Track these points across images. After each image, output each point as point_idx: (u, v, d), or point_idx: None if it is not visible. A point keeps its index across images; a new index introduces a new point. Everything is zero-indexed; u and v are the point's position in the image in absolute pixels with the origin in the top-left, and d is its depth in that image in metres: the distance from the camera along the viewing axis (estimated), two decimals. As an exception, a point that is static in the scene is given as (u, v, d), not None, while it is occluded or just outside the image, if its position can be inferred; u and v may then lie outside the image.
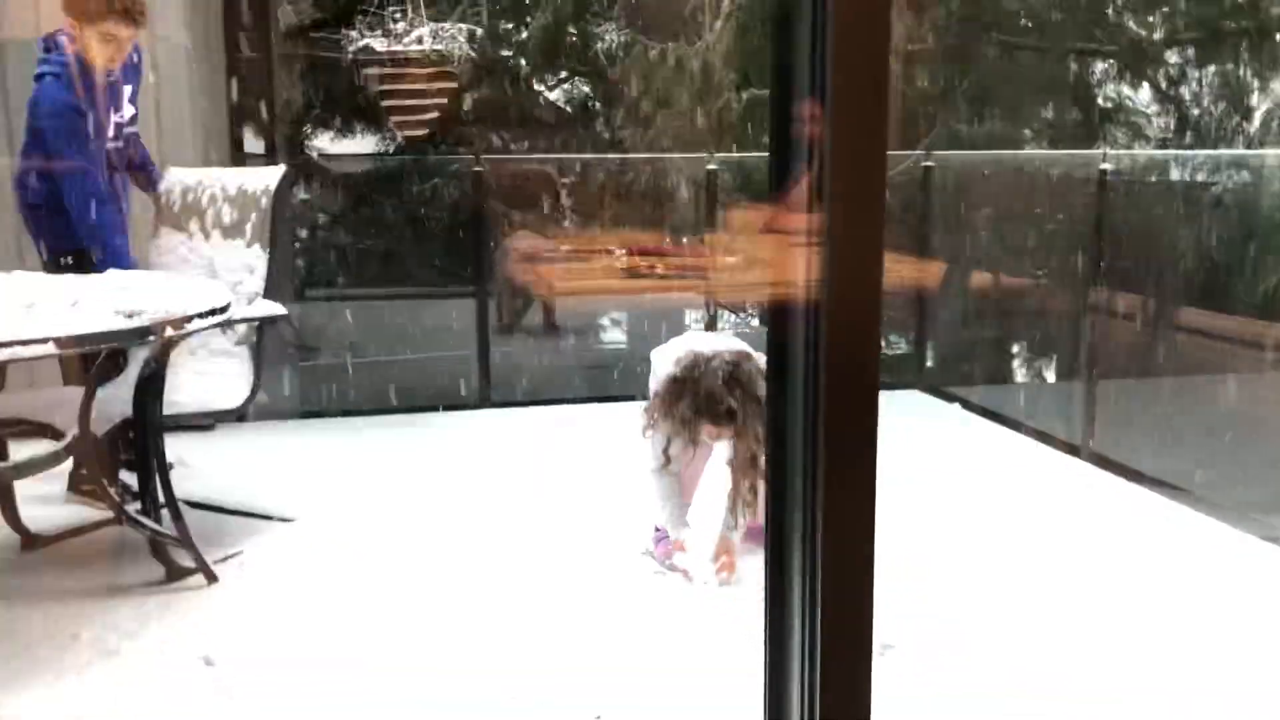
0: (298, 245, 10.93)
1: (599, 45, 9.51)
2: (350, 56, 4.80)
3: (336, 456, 4.36)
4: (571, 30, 11.22)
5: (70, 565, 3.20)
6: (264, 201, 3.36)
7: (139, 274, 3.20)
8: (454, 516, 3.63)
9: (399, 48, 4.62)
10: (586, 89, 12.18)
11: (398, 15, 4.76)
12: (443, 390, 5.34)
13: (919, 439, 4.59)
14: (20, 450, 3.05)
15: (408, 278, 10.13)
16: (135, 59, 3.67)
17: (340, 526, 3.52)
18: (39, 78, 3.44)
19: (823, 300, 1.15)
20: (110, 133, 3.54)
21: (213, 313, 2.70)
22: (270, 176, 3.39)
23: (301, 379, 5.23)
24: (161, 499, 2.98)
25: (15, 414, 2.98)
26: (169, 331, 2.52)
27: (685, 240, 6.30)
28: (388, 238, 10.78)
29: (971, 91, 6.40)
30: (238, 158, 6.00)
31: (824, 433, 1.16)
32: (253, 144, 7.87)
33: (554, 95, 12.78)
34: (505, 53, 12.00)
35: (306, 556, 3.26)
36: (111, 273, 3.23)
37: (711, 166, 5.28)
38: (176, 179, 3.63)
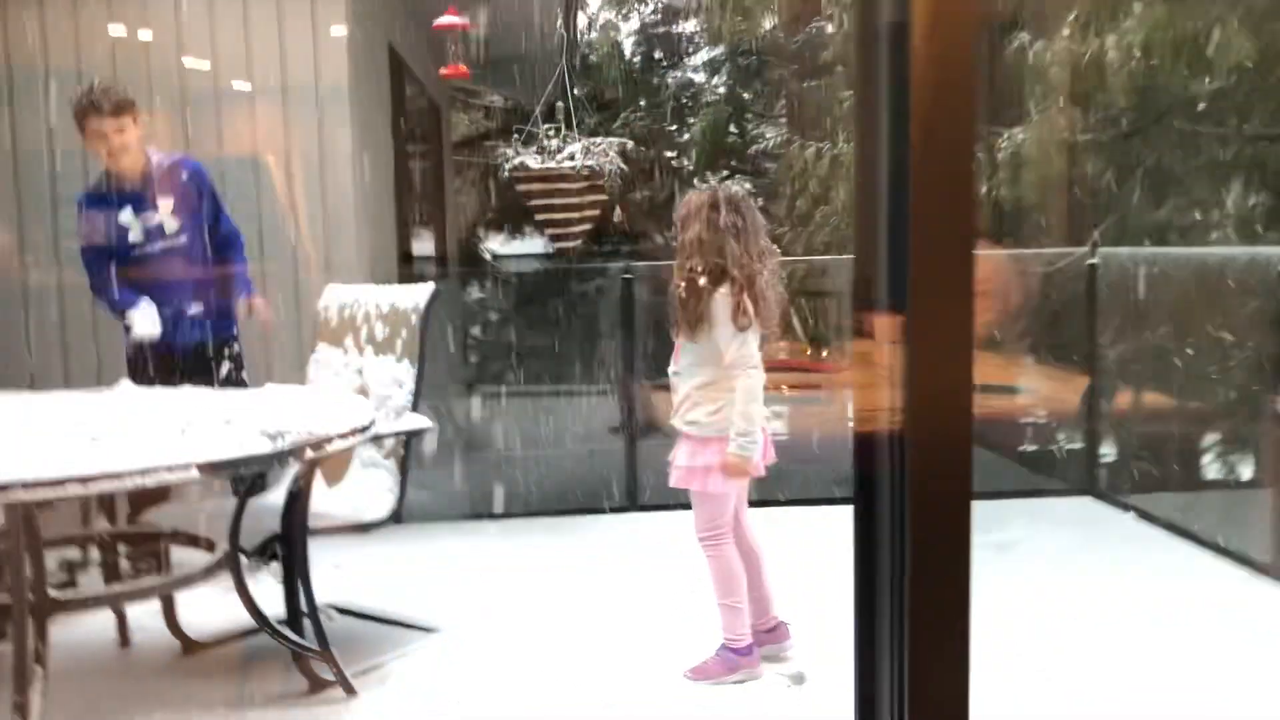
0: (470, 342, 11.35)
1: (759, 145, 9.65)
2: (506, 174, 4.98)
3: (486, 560, 4.41)
4: (732, 130, 11.40)
5: (224, 671, 3.31)
6: (414, 319, 3.46)
7: (291, 389, 3.33)
8: (602, 627, 3.59)
9: (552, 164, 4.77)
10: (747, 185, 12.32)
11: (551, 132, 4.93)
12: (592, 490, 5.34)
13: (1085, 556, 4.32)
14: (179, 556, 3.20)
15: (566, 374, 10.33)
16: (184, 175, 3.99)
17: (485, 638, 3.52)
18: None
19: (906, 413, 1.06)
20: (137, 236, 3.89)
21: (355, 433, 2.76)
22: (420, 294, 3.49)
23: (459, 479, 5.35)
24: (305, 610, 3.05)
25: (174, 526, 3.12)
26: (309, 454, 2.60)
27: (825, 353, 6.09)
28: (551, 334, 11.07)
29: (1148, 181, 6.08)
30: (405, 263, 6.25)
31: (911, 587, 1.06)
32: (423, 247, 8.22)
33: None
34: (669, 153, 12.29)
35: (448, 670, 3.27)
36: (268, 387, 3.39)
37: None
38: (334, 296, 3.79)
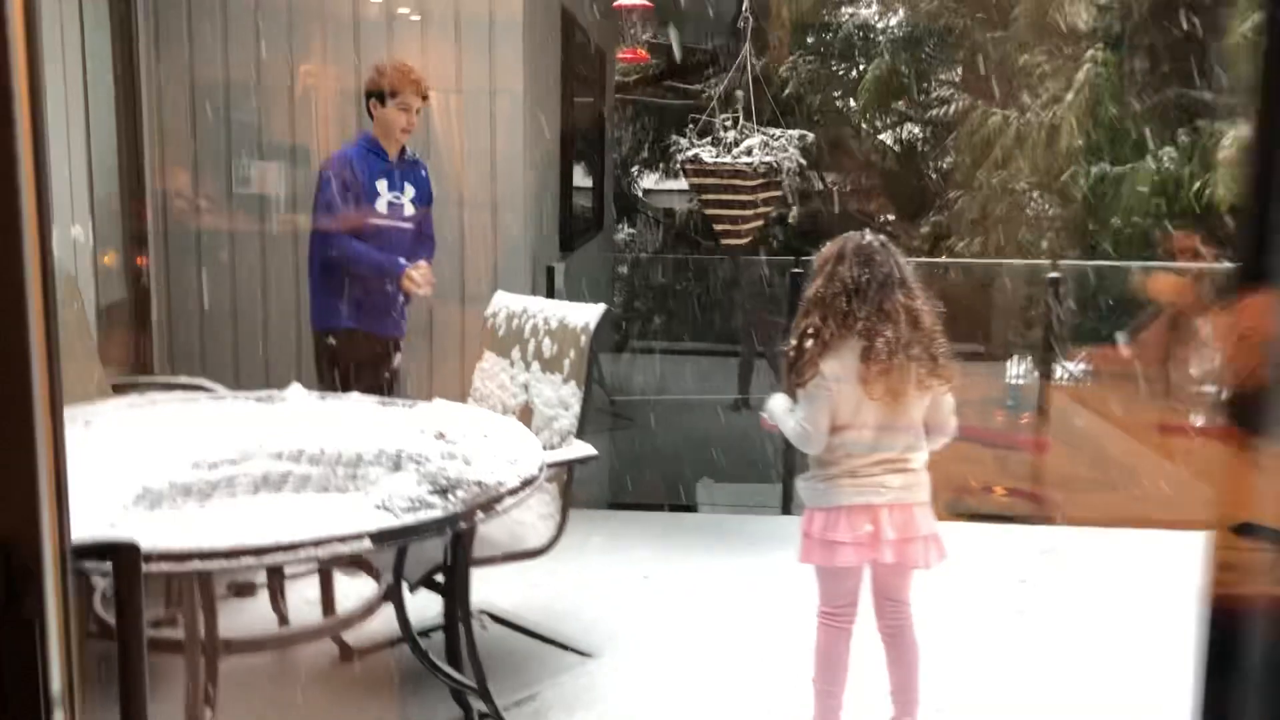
0: (617, 278, 11.28)
1: (938, 111, 9.11)
2: (678, 165, 4.74)
3: (643, 568, 4.33)
4: (904, 76, 10.83)
5: (378, 686, 3.31)
6: (583, 340, 3.33)
7: (460, 412, 3.24)
8: (764, 644, 3.47)
9: (727, 159, 4.49)
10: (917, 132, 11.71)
11: (728, 123, 4.64)
12: (743, 481, 5.21)
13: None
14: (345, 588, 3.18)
15: (715, 330, 10.16)
16: (423, 172, 4.28)
17: (642, 663, 3.45)
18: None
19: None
20: (382, 207, 4.08)
21: (526, 485, 2.66)
22: (590, 314, 3.35)
23: (609, 468, 5.28)
24: (464, 646, 3.00)
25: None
26: (479, 516, 2.50)
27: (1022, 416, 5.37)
28: (701, 279, 10.88)
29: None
30: (566, 200, 6.21)
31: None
32: (581, 179, 8.15)
33: (887, 139, 12.44)
34: (835, 94, 11.79)
35: (604, 700, 3.20)
36: (437, 404, 3.30)
37: (1054, 275, 4.81)
38: (502, 303, 3.68)
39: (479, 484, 2.59)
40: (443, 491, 2.52)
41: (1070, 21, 8.29)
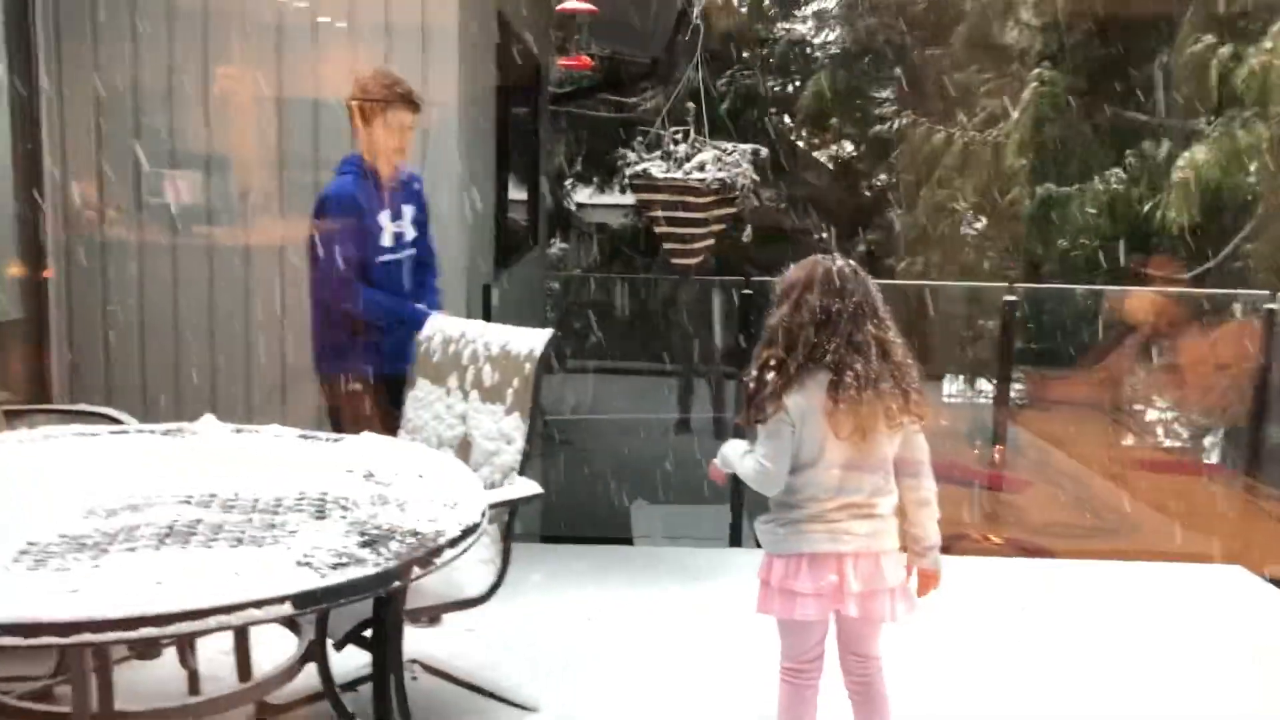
0: (549, 295, 11.02)
1: (881, 128, 9.01)
2: (625, 180, 4.49)
3: (585, 608, 4.07)
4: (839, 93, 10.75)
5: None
6: (528, 368, 3.07)
7: (389, 446, 2.96)
8: (719, 692, 3.24)
9: (679, 175, 4.27)
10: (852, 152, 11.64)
11: (679, 137, 4.41)
12: (687, 519, 4.99)
13: None
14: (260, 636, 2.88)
15: (653, 349, 9.93)
16: (416, 186, 3.93)
17: (588, 716, 3.19)
18: (329, 183, 3.80)
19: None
20: (388, 241, 3.76)
21: (467, 534, 2.39)
22: (536, 340, 3.09)
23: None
24: (395, 704, 2.71)
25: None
26: (415, 572, 2.22)
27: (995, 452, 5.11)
28: (639, 297, 10.67)
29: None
30: (501, 212, 5.95)
31: None
32: (515, 193, 7.88)
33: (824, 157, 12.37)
34: (772, 110, 11.68)
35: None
36: (365, 438, 3.01)
37: (1010, 298, 4.66)
38: (436, 328, 3.40)
39: (415, 534, 2.31)
40: (373, 543, 2.24)
41: (1008, 40, 8.26)
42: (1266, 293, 4.63)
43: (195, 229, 4.66)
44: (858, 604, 2.62)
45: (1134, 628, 4.07)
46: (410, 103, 3.72)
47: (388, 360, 3.75)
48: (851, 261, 2.74)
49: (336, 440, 3.03)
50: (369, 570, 2.13)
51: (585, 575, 4.38)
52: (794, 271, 2.72)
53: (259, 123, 4.60)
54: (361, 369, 3.76)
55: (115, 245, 4.62)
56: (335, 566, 2.12)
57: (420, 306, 3.77)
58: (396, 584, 2.23)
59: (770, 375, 2.61)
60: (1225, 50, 5.46)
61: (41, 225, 4.43)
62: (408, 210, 3.86)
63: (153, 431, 3.09)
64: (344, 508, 2.45)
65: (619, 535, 5.40)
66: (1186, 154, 5.41)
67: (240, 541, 2.23)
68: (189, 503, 2.44)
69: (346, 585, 2.09)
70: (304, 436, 3.08)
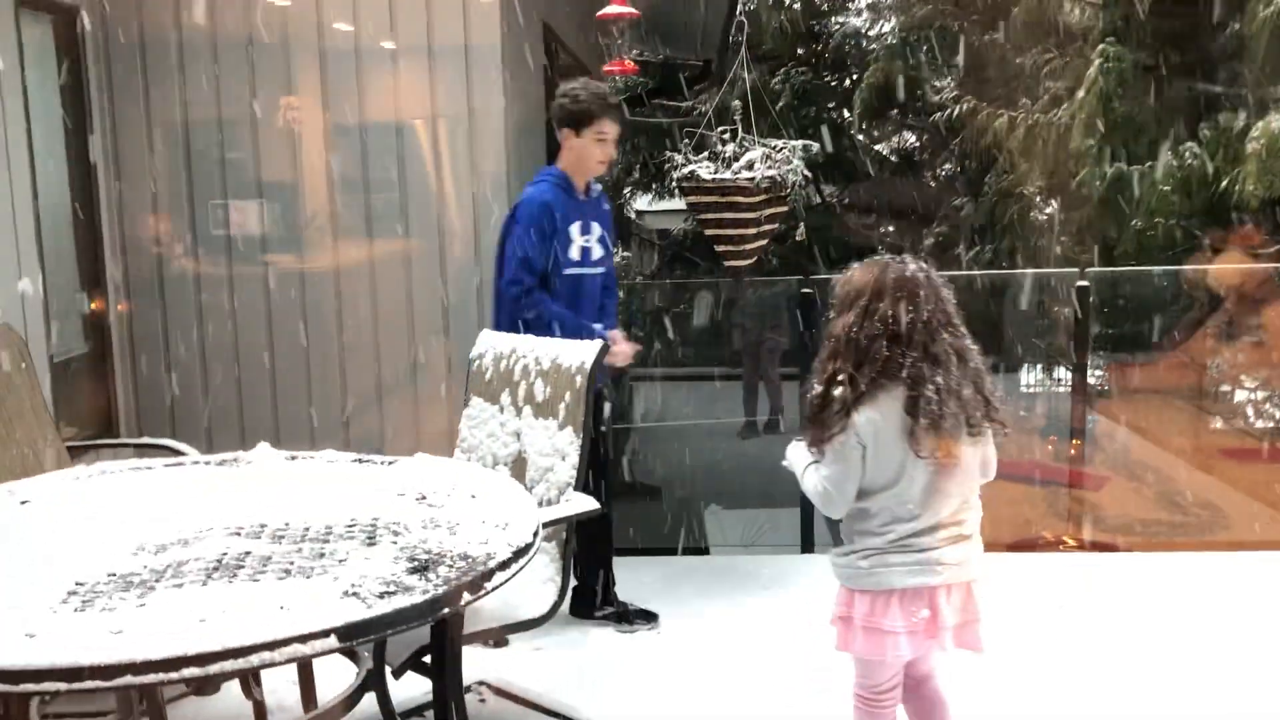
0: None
1: (941, 116, 8.81)
2: (674, 183, 4.40)
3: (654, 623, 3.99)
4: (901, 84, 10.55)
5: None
6: (579, 381, 2.99)
7: (443, 467, 2.91)
8: (791, 708, 3.13)
9: (727, 175, 4.17)
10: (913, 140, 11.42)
11: (726, 137, 4.32)
12: (758, 523, 4.89)
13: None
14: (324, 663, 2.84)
15: (717, 353, 9.79)
16: (606, 205, 3.91)
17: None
18: (524, 191, 3.81)
19: None
20: (575, 255, 3.72)
21: (519, 555, 2.32)
22: (587, 352, 3.02)
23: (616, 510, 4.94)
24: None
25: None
26: (465, 598, 2.16)
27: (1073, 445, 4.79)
28: (700, 301, 10.54)
29: None
30: None
31: None
32: None
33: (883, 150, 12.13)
34: (829, 105, 11.49)
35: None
36: (419, 459, 2.97)
37: (1083, 283, 4.48)
38: (489, 344, 3.35)
39: (465, 557, 2.25)
40: (422, 569, 2.19)
41: (1069, 19, 8.03)
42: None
43: (252, 258, 4.68)
44: (954, 637, 2.46)
45: (1211, 618, 3.88)
46: (618, 113, 3.72)
47: None
48: (923, 264, 2.54)
49: (391, 463, 2.99)
50: (417, 599, 2.07)
51: (653, 588, 4.30)
52: (859, 274, 2.51)
53: (309, 149, 4.61)
54: None
55: (175, 277, 4.66)
56: (383, 595, 2.07)
57: (598, 326, 3.71)
58: (446, 611, 2.16)
59: (837, 391, 2.42)
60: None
61: (102, 258, 4.48)
62: (596, 227, 3.81)
63: (207, 463, 3.08)
64: (395, 533, 2.40)
65: (692, 545, 5.29)
66: (1261, 124, 5.16)
67: (289, 573, 2.19)
68: (239, 534, 2.41)
69: (394, 615, 2.03)
70: (358, 460, 3.05)
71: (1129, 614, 3.98)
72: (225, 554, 2.29)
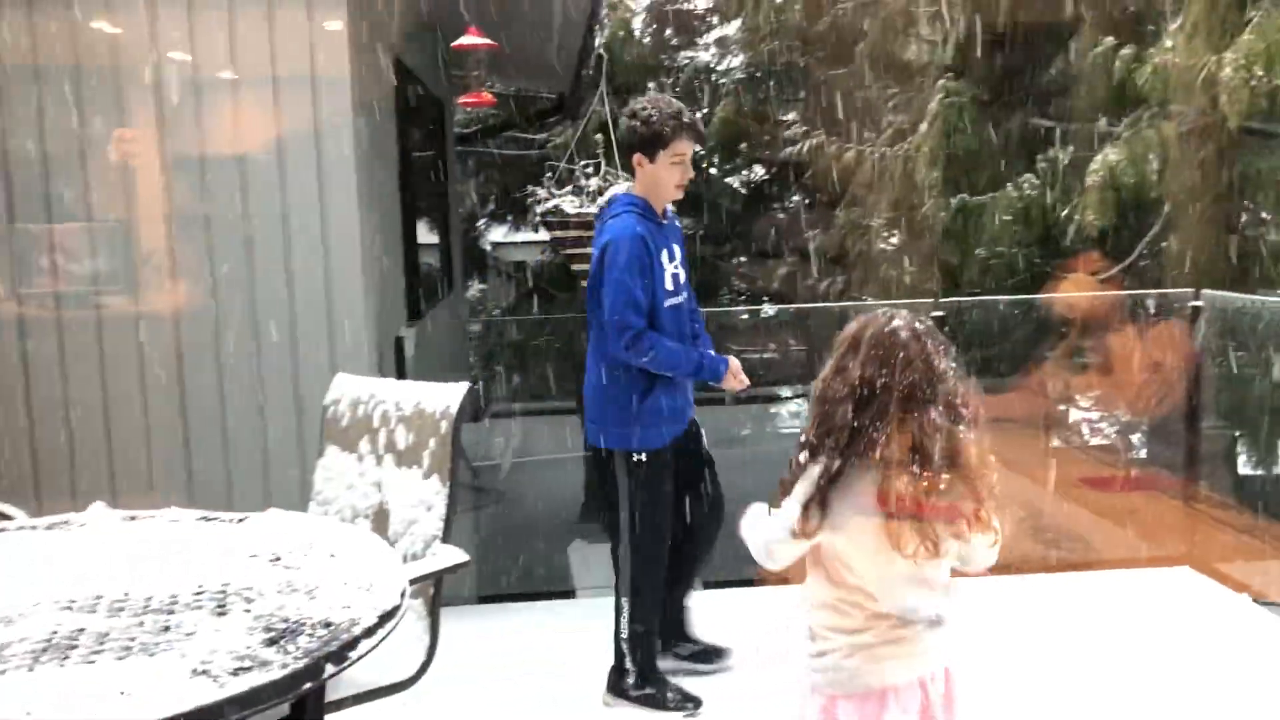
0: (470, 340, 10.78)
1: (792, 150, 8.98)
2: (538, 217, 4.31)
3: (529, 664, 3.85)
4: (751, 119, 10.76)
5: None
6: (444, 426, 2.86)
7: (297, 523, 2.73)
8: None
9: (592, 209, 4.10)
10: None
11: (589, 170, 4.25)
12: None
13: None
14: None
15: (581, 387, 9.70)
16: (679, 225, 3.69)
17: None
18: (609, 225, 3.53)
19: None
20: (669, 284, 3.48)
21: (385, 620, 2.17)
22: (451, 396, 2.89)
23: (476, 552, 4.79)
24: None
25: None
26: (329, 670, 2.00)
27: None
28: (560, 337, 10.47)
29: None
30: (411, 253, 5.75)
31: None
32: (426, 237, 7.67)
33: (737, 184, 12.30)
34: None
35: None
36: (271, 515, 2.78)
37: (938, 313, 4.58)
38: (344, 389, 3.18)
39: (326, 625, 2.10)
40: (280, 640, 2.02)
41: (910, 56, 8.30)
42: (1190, 291, 4.63)
43: (83, 300, 4.38)
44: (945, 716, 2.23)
45: (1083, 635, 4.00)
46: (695, 132, 3.48)
47: (682, 419, 3.52)
48: (921, 321, 2.19)
49: (241, 520, 2.80)
50: (275, 674, 1.90)
51: (524, 634, 4.16)
52: (850, 326, 2.21)
53: (145, 183, 4.35)
54: (664, 434, 3.46)
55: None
56: (237, 672, 1.90)
57: (712, 354, 3.51)
58: (308, 686, 2.00)
59: (802, 458, 2.15)
60: (1127, 51, 5.50)
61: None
62: (676, 250, 3.58)
63: (34, 527, 2.82)
64: (248, 600, 2.22)
65: (561, 587, 5.17)
66: (1100, 156, 5.42)
67: (129, 651, 1.99)
68: (71, 608, 2.19)
69: (250, 694, 1.86)
70: (204, 518, 2.84)
71: (1003, 634, 4.05)
72: (55, 632, 2.07)
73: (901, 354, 2.09)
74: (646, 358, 3.38)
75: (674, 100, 3.50)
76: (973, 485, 2.09)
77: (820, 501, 2.10)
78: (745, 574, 3.67)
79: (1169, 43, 5.12)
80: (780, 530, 2.18)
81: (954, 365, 2.14)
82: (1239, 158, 5.98)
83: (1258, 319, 4.64)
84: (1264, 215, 6.90)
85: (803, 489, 2.13)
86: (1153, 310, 5.31)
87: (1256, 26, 4.69)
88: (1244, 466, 7.07)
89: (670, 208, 3.62)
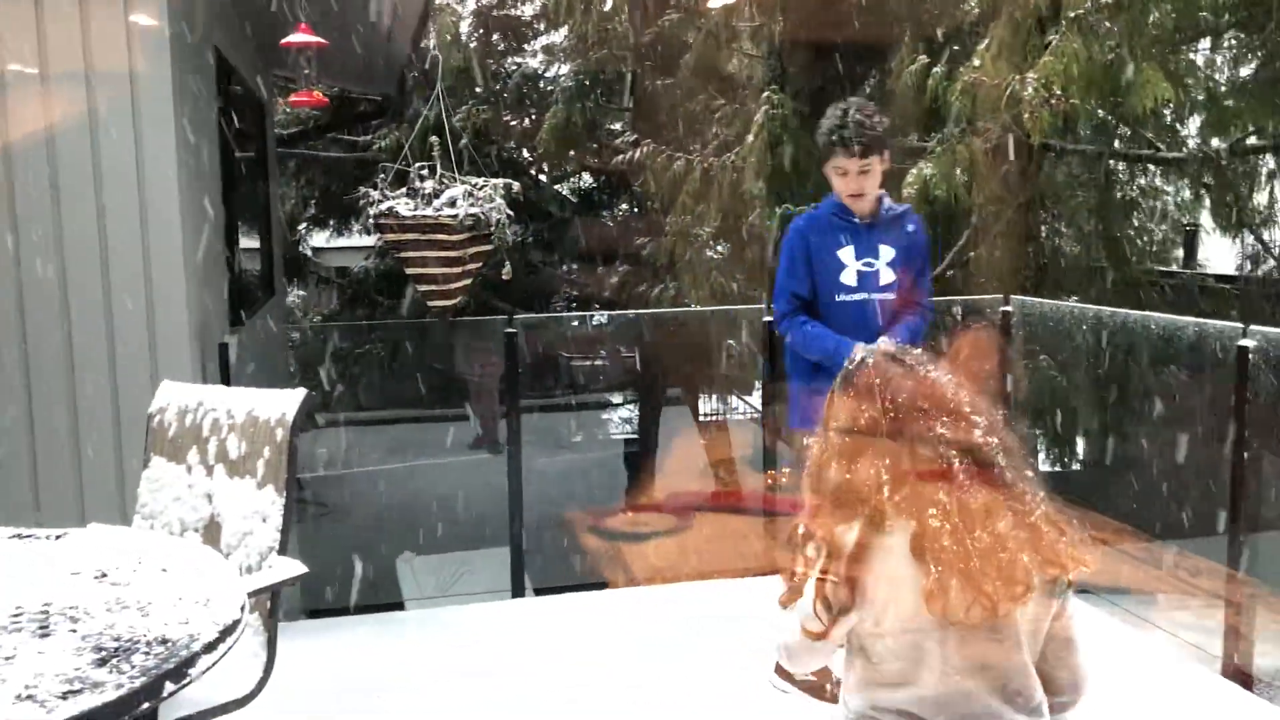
0: (292, 348, 10.43)
1: (621, 158, 9.07)
2: (372, 220, 4.21)
3: (359, 682, 3.75)
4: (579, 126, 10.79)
5: None
6: (280, 434, 2.77)
7: (121, 537, 2.60)
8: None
9: (428, 212, 4.04)
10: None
11: (424, 173, 4.18)
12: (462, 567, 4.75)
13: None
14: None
15: (408, 395, 9.53)
16: (910, 227, 3.69)
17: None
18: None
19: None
20: (850, 280, 3.55)
21: (226, 635, 2.09)
22: (287, 403, 2.80)
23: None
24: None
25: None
26: (169, 688, 1.92)
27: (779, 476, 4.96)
28: (386, 344, 10.25)
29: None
30: (232, 257, 5.54)
31: None
32: (246, 241, 7.39)
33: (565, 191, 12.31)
34: (510, 145, 11.57)
35: None
36: (93, 530, 2.64)
37: (768, 318, 4.71)
38: (170, 396, 3.04)
39: (163, 641, 2.00)
40: (111, 659, 1.92)
41: (733, 69, 8.52)
42: (1000, 297, 4.90)
43: None
44: None
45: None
46: (845, 147, 3.47)
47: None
48: (909, 355, 1.90)
49: (59, 536, 2.64)
50: (109, 695, 1.81)
51: (354, 649, 4.06)
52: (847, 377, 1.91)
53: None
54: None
55: None
56: (66, 696, 1.79)
57: (848, 341, 3.38)
58: (147, 706, 1.91)
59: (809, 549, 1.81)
60: (940, 70, 5.82)
61: None
62: (886, 250, 3.59)
63: None
64: (73, 619, 2.10)
65: (390, 599, 5.07)
66: (915, 170, 5.71)
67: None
68: None
69: (81, 718, 1.77)
70: (18, 536, 2.66)
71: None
72: None
73: (878, 380, 1.81)
74: (789, 338, 3.66)
75: (848, 111, 3.52)
76: (1024, 507, 1.71)
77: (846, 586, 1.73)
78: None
79: (977, 61, 5.48)
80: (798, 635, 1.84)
81: (947, 376, 1.83)
82: (1039, 172, 6.42)
83: (1060, 322, 5.00)
84: (1060, 227, 7.42)
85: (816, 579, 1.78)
86: (960, 316, 5.61)
87: (1055, 49, 5.07)
88: (1044, 464, 7.54)
89: (900, 207, 3.73)
